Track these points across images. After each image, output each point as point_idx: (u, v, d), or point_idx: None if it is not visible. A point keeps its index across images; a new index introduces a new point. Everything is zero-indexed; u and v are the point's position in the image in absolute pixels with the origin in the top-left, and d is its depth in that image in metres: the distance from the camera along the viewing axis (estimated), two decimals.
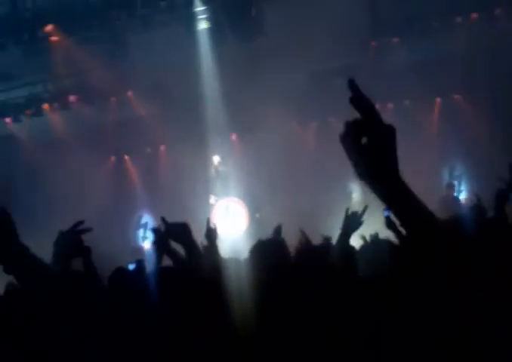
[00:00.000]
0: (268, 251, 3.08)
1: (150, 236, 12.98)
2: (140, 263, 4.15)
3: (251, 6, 9.17)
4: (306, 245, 4.36)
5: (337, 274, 2.65)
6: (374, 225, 4.54)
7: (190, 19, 9.64)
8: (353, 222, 3.40)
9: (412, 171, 8.58)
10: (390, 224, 4.23)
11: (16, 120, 12.30)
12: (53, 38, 9.66)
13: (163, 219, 3.31)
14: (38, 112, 12.15)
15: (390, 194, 1.43)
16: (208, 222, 4.10)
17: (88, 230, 2.86)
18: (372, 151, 1.37)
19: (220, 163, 11.62)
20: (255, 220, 11.44)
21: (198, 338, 2.19)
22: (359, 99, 1.37)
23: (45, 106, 12.18)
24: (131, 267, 4.30)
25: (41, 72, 11.11)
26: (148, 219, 13.06)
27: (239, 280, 2.43)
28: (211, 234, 4.06)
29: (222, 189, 11.64)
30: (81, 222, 2.85)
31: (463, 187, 11.58)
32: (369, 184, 1.40)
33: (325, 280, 2.51)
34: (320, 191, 11.09)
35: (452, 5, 10.10)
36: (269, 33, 9.54)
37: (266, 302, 2.21)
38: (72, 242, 2.83)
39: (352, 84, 1.35)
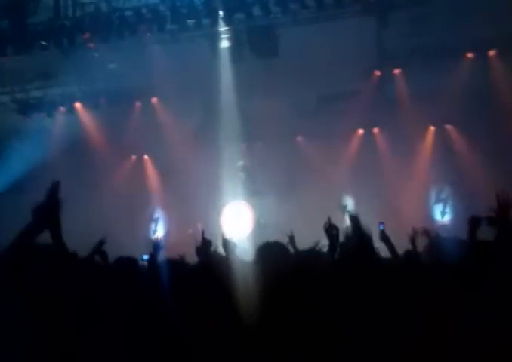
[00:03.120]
0: (272, 252, 3.08)
1: (160, 229, 13.01)
2: (152, 257, 4.24)
3: (270, 30, 9.18)
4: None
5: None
6: None
7: (214, 37, 9.67)
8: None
9: (405, 189, 8.45)
10: (383, 237, 4.19)
11: (50, 115, 12.30)
12: (90, 45, 9.69)
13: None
14: (71, 110, 12.15)
15: None
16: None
17: (57, 186, 2.48)
18: None
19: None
20: (260, 224, 11.39)
21: (204, 331, 2.14)
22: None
23: (77, 105, 12.18)
24: (145, 257, 4.32)
25: (76, 73, 11.14)
26: (159, 214, 13.03)
27: (245, 279, 2.40)
28: (227, 245, 4.16)
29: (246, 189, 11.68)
30: (58, 184, 2.49)
31: (447, 209, 11.46)
32: None
33: (321, 279, 2.47)
34: (318, 201, 11.01)
35: (452, 43, 10.06)
36: (283, 55, 9.54)
37: (270, 299, 2.17)
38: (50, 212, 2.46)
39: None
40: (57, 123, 12.48)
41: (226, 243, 4.28)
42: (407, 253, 4.04)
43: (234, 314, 2.10)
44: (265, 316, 2.08)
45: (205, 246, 4.23)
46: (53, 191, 2.45)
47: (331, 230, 3.49)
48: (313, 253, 3.97)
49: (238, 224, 11.78)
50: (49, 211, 2.42)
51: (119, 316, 2.19)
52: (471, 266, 2.42)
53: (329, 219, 3.44)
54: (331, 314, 2.15)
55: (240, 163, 11.84)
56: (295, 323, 2.11)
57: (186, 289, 2.39)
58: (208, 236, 4.41)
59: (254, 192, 11.73)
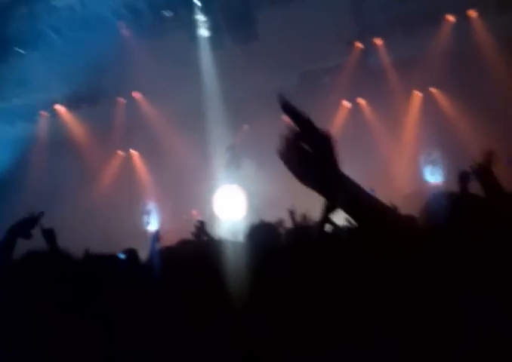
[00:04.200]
0: (261, 232, 3.15)
1: (154, 221, 13.19)
2: (130, 253, 4.28)
3: (247, 13, 9.28)
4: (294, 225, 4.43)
5: (322, 250, 2.68)
6: None
7: (192, 26, 9.79)
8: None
9: (394, 155, 8.74)
10: None
11: (33, 121, 12.40)
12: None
13: None
14: (53, 113, 12.25)
15: (335, 198, 1.45)
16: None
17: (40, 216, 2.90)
18: (314, 160, 1.36)
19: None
20: (253, 206, 11.57)
21: (194, 317, 2.16)
22: (294, 115, 1.35)
23: (59, 107, 12.30)
24: (121, 256, 4.41)
25: (54, 77, 11.21)
26: (151, 206, 13.24)
27: (236, 261, 2.44)
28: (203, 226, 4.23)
29: (230, 176, 11.89)
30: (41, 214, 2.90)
31: (438, 170, 11.75)
32: (315, 190, 1.41)
33: (312, 257, 2.54)
34: None
35: (431, 8, 10.22)
36: (263, 36, 9.68)
37: (261, 281, 2.22)
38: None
39: (284, 106, 1.34)
40: (41, 127, 12.61)
41: (202, 225, 4.42)
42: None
43: (224, 298, 2.12)
44: (255, 298, 2.09)
45: (199, 230, 4.37)
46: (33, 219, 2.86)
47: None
48: (303, 229, 4.09)
49: (231, 207, 12.00)
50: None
51: (111, 308, 2.24)
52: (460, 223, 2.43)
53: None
54: (324, 292, 2.16)
55: (227, 145, 12.06)
56: (286, 302, 2.12)
57: (178, 276, 2.39)
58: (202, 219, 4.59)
59: (236, 168, 12.00)
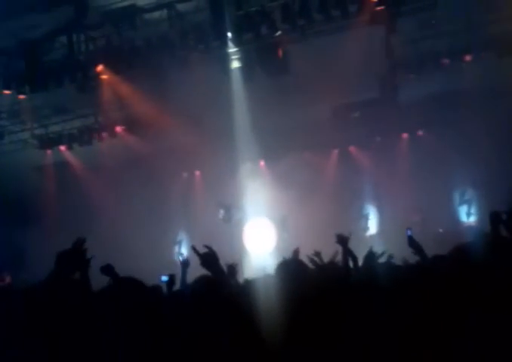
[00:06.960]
0: (290, 270, 3.09)
1: (184, 252, 13.19)
2: (171, 277, 4.35)
3: (279, 47, 9.30)
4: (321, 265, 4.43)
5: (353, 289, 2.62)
6: (393, 244, 4.51)
7: (224, 58, 9.82)
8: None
9: (428, 194, 8.45)
10: (411, 243, 4.22)
11: (69, 148, 12.60)
12: (103, 77, 9.95)
13: (194, 249, 3.20)
14: (89, 141, 12.41)
15: None
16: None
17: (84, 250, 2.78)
18: None
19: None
20: (283, 239, 11.47)
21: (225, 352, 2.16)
22: None
23: (95, 136, 12.46)
24: (164, 279, 4.43)
25: (92, 106, 11.44)
26: (182, 237, 13.20)
27: (266, 297, 2.40)
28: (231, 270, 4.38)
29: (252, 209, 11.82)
30: (83, 241, 2.77)
31: (472, 210, 11.42)
32: None
33: (340, 295, 2.47)
34: (340, 212, 11.06)
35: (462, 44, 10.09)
36: (294, 70, 9.65)
37: (292, 318, 2.16)
38: (75, 259, 2.73)
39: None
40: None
41: (230, 269, 4.43)
42: (435, 257, 4.04)
43: (257, 334, 2.10)
44: (288, 334, 2.08)
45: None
46: (79, 244, 2.75)
47: (343, 242, 3.75)
48: (331, 268, 4.06)
49: (261, 239, 11.92)
50: (73, 258, 2.71)
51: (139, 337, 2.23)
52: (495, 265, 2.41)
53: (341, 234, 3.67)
54: (358, 329, 2.14)
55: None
56: (321, 340, 2.10)
57: (209, 308, 2.41)
58: (232, 254, 4.54)
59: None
